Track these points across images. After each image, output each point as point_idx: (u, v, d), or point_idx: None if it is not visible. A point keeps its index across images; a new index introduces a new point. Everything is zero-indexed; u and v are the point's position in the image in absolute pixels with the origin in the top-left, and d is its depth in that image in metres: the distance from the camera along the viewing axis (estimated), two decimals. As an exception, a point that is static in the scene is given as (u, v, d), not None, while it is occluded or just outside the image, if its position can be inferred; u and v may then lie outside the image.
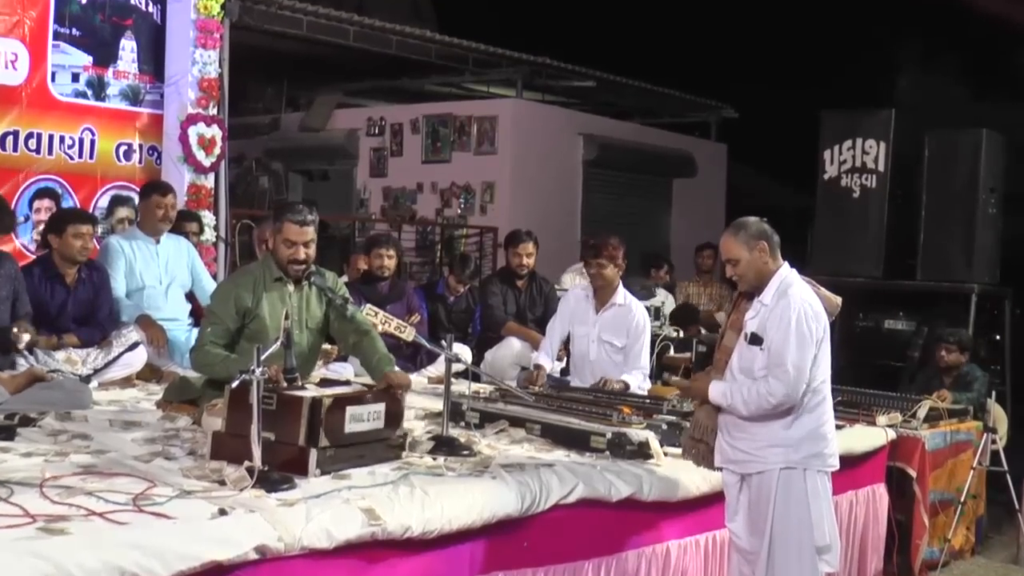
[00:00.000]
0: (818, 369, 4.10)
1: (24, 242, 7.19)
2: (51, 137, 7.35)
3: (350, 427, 3.97)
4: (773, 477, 4.11)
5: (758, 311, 4.12)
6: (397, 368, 4.77)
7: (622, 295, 6.39)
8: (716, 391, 4.18)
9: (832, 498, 4.29)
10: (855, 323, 8.98)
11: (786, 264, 4.18)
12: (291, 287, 4.88)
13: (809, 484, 4.12)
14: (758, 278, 4.14)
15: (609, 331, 6.36)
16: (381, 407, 4.15)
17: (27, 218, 7.23)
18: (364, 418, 4.05)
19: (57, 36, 7.36)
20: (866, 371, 8.12)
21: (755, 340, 4.08)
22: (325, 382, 4.45)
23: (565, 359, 6.92)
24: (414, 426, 4.91)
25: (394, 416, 4.23)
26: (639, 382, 6.27)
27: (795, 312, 4.01)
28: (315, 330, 5.00)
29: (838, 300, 4.39)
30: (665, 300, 8.54)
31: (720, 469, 4.34)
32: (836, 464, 4.25)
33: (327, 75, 13.41)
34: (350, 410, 3.97)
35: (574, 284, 8.37)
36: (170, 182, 7.23)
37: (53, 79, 7.36)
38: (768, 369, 4.03)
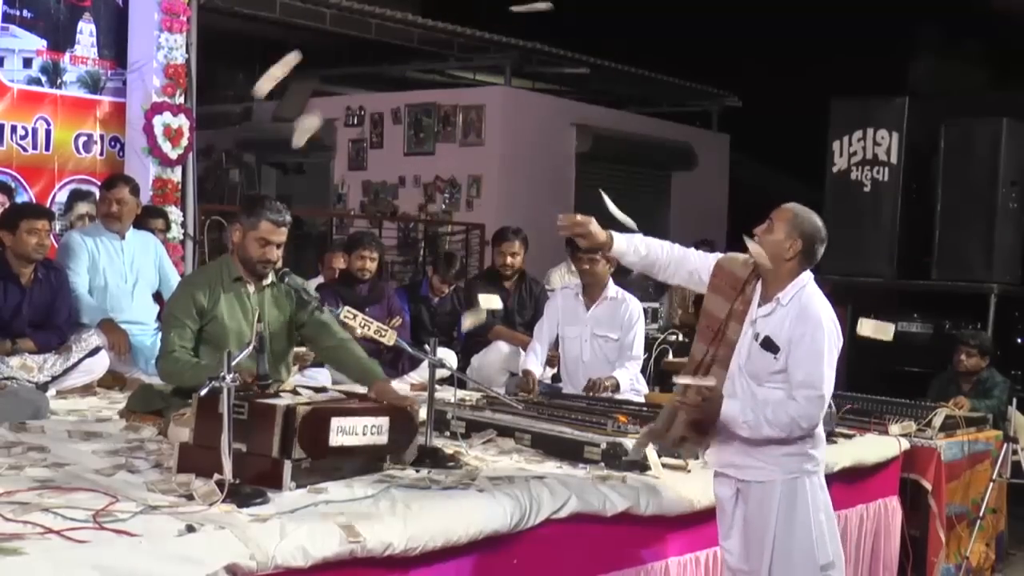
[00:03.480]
0: None
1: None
2: (1, 127, 7.32)
3: (337, 440, 3.95)
4: (775, 488, 4.10)
5: (773, 309, 4.08)
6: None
7: (613, 289, 6.51)
8: (732, 409, 4.04)
9: (833, 511, 4.30)
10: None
11: (809, 271, 4.16)
12: (251, 288, 4.89)
13: (811, 494, 4.12)
14: (770, 259, 4.06)
15: (603, 326, 6.45)
16: (383, 420, 4.14)
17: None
18: (357, 431, 4.03)
19: (6, 18, 7.32)
20: (878, 377, 8.15)
21: (769, 346, 4.06)
22: (301, 389, 4.44)
23: (557, 365, 6.94)
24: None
25: (404, 432, 4.23)
26: (631, 376, 6.34)
27: (826, 335, 4.00)
28: (278, 335, 4.99)
29: None
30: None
31: (712, 469, 4.34)
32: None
33: (302, 61, 13.39)
34: (336, 421, 3.96)
35: (563, 283, 8.42)
36: (134, 175, 7.18)
37: (2, 64, 7.34)
38: (794, 389, 4.01)
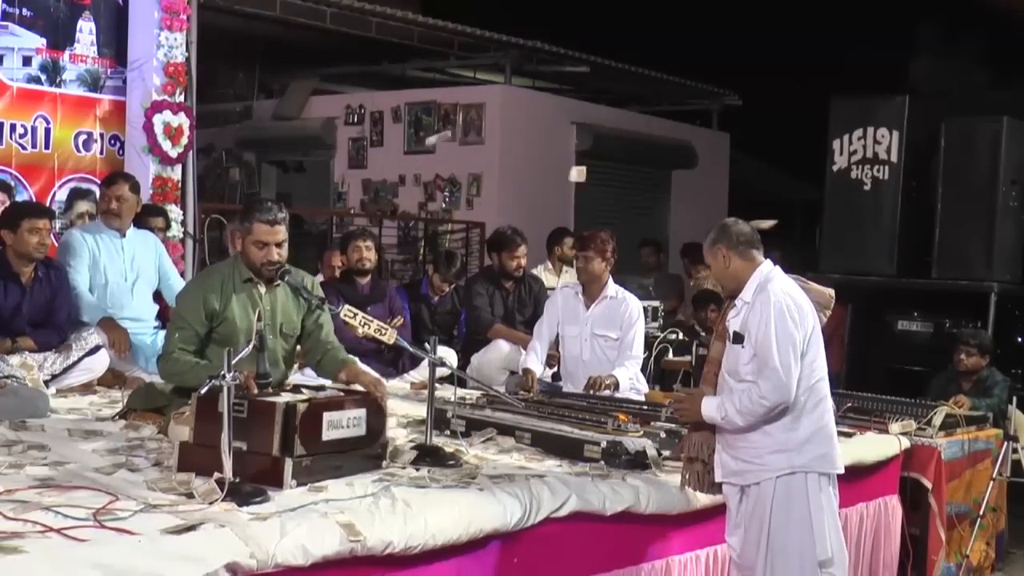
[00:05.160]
0: (812, 366, 4.15)
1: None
2: (0, 125, 7.31)
3: (328, 434, 3.97)
4: (770, 486, 4.17)
5: (740, 309, 4.23)
6: (365, 366, 4.81)
7: (613, 288, 6.51)
8: (709, 407, 4.23)
9: (837, 507, 4.31)
10: (867, 324, 9.00)
11: (768, 262, 4.25)
12: (262, 288, 4.88)
13: (811, 491, 4.16)
14: (732, 281, 4.29)
15: (602, 325, 6.45)
16: (361, 413, 4.15)
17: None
18: (343, 424, 4.05)
19: (5, 16, 7.31)
20: (878, 375, 8.15)
21: (737, 339, 4.20)
22: (298, 388, 4.45)
23: (556, 364, 6.94)
24: (396, 434, 4.92)
25: (376, 422, 4.24)
26: (631, 375, 6.35)
27: (774, 308, 4.09)
28: (290, 336, 5.00)
29: (830, 293, 4.46)
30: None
31: (718, 489, 4.38)
32: (842, 467, 4.29)
33: (302, 59, 13.41)
34: (327, 416, 3.98)
35: (545, 281, 8.42)
36: (134, 174, 7.17)
37: (1, 63, 7.33)
38: (757, 371, 4.07)
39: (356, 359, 5.02)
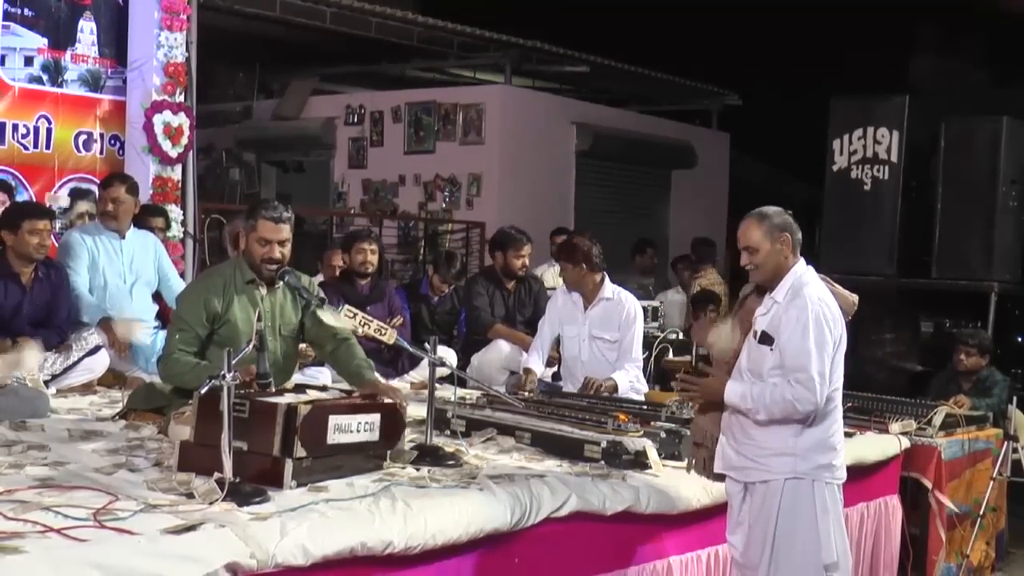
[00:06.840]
0: (833, 375, 4.12)
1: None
2: (3, 125, 7.32)
3: (334, 438, 3.96)
4: (778, 487, 4.12)
5: (770, 308, 4.14)
6: (377, 374, 4.80)
7: (610, 289, 6.50)
8: (734, 392, 4.11)
9: (843, 510, 4.30)
10: (867, 324, 8.99)
11: (803, 261, 4.20)
12: (264, 290, 4.90)
13: (818, 497, 4.13)
14: (775, 271, 4.17)
15: (599, 327, 6.44)
16: (375, 418, 4.15)
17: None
18: (352, 428, 4.04)
19: (7, 16, 7.31)
20: (878, 375, 8.14)
21: (765, 339, 4.10)
22: (301, 388, 4.45)
23: (557, 364, 6.93)
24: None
25: (393, 428, 4.24)
26: (630, 378, 6.33)
27: (812, 314, 4.02)
28: (289, 337, 5.02)
29: (854, 298, 4.43)
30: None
31: (721, 479, 4.36)
32: (844, 476, 4.27)
33: (302, 59, 13.41)
34: (334, 419, 3.97)
35: (555, 282, 8.44)
36: (134, 174, 7.19)
37: (3, 63, 7.33)
38: (787, 375, 4.02)
39: (373, 365, 5.00)
